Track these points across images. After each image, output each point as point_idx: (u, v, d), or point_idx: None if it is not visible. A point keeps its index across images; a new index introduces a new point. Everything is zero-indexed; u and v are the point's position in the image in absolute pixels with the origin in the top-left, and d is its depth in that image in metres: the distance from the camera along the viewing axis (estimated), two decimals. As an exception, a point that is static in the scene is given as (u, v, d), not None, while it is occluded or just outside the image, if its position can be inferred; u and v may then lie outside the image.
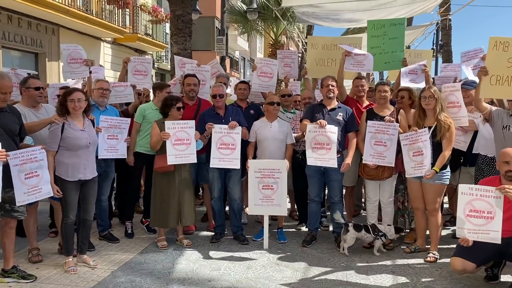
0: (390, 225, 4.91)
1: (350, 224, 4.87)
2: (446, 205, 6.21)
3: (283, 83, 7.09)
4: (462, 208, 3.72)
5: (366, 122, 4.88)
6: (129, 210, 5.60)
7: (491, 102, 4.96)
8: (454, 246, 4.20)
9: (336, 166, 4.86)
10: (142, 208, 6.20)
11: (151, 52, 18.39)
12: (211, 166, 5.01)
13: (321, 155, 4.81)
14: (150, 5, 17.46)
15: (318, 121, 4.81)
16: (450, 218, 5.86)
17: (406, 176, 4.70)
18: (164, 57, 19.87)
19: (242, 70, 31.83)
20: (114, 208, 6.17)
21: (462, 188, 3.78)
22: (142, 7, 16.55)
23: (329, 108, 5.00)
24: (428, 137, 4.46)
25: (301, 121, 5.23)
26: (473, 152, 4.99)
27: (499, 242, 3.60)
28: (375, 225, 4.88)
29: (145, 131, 5.30)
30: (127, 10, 15.66)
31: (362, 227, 4.84)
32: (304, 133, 5.00)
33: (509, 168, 3.76)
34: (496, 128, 4.43)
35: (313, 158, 4.85)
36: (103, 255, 4.74)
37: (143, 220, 5.69)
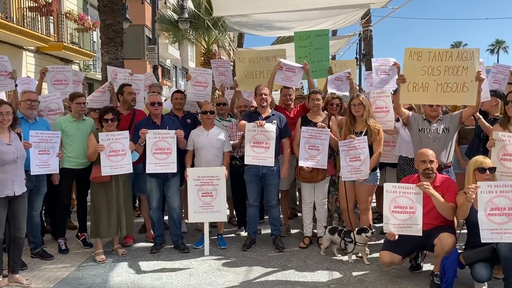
0: (359, 234, 4.71)
1: (328, 227, 5.03)
2: (373, 204, 6.64)
3: (217, 91, 7.20)
4: (387, 205, 4.06)
5: (301, 128, 5.14)
6: (61, 226, 5.40)
7: (410, 108, 5.42)
8: (382, 241, 4.54)
9: (273, 164, 5.06)
10: (74, 223, 6.05)
11: (77, 61, 17.73)
12: (147, 171, 5.01)
13: (260, 153, 5.00)
14: (76, 13, 16.82)
15: (256, 121, 5.01)
16: (377, 216, 6.28)
17: (343, 179, 4.94)
18: (92, 66, 19.20)
19: (174, 79, 31.49)
20: (46, 224, 5.91)
21: (387, 186, 4.12)
22: (68, 14, 15.90)
23: (264, 115, 5.20)
24: (367, 144, 4.75)
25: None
26: (395, 153, 5.42)
27: (421, 234, 3.97)
28: (348, 232, 4.83)
29: (67, 146, 5.14)
30: (51, 17, 14.97)
31: (337, 230, 4.94)
32: (243, 135, 5.16)
33: (426, 166, 4.17)
34: (413, 131, 4.85)
35: (251, 157, 5.03)
36: (37, 273, 4.56)
37: (79, 234, 5.53)
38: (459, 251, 4.01)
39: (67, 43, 15.73)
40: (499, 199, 3.64)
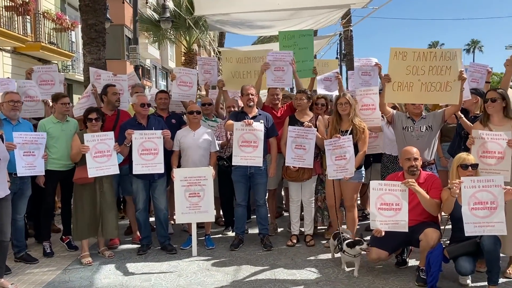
0: (353, 247, 4.37)
1: (333, 233, 4.67)
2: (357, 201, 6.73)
3: (198, 91, 7.18)
4: (374, 202, 4.13)
5: (288, 127, 5.18)
6: (45, 229, 5.33)
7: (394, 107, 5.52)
8: (368, 238, 4.62)
9: (261, 164, 5.10)
10: (58, 226, 5.99)
11: (55, 62, 17.36)
12: (134, 172, 4.97)
13: (248, 153, 5.03)
14: (54, 12, 16.52)
15: (244, 120, 5.03)
16: (362, 213, 6.37)
17: (329, 177, 4.99)
18: (71, 66, 18.89)
19: (154, 79, 31.21)
20: (28, 227, 5.79)
21: (373, 184, 4.19)
22: (45, 14, 15.59)
23: (250, 115, 5.22)
24: (352, 143, 4.81)
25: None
26: (379, 151, 5.51)
27: (407, 230, 4.06)
28: (346, 239, 4.49)
29: (51, 147, 5.06)
30: (28, 17, 14.67)
31: (337, 236, 4.62)
32: (231, 135, 5.16)
33: (411, 164, 4.26)
34: (397, 129, 4.93)
35: (239, 157, 5.05)
36: (22, 277, 4.49)
37: (63, 237, 5.46)
38: (444, 245, 4.11)
39: (45, 43, 15.44)
40: (482, 194, 3.76)
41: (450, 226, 4.31)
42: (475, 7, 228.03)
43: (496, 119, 4.41)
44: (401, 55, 4.74)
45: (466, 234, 3.77)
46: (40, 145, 4.80)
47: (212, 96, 6.90)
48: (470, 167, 3.98)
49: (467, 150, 4.39)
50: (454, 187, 3.83)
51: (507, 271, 4.25)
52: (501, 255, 3.92)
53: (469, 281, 4.07)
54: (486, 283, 3.91)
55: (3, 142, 4.22)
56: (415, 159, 4.27)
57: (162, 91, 6.09)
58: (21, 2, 13.68)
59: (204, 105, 6.15)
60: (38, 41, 15.18)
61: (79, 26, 17.97)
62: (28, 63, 14.63)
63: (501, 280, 4.05)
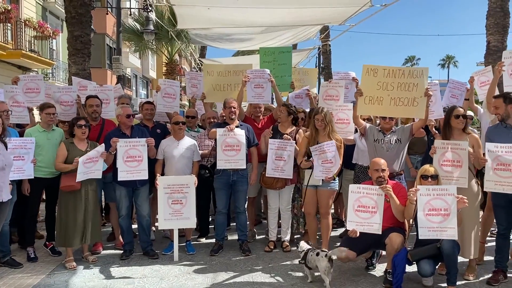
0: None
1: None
2: (331, 210, 7.03)
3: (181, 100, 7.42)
4: (351, 204, 4.44)
5: (269, 140, 5.45)
6: (29, 235, 5.46)
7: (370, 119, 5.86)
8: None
9: (245, 167, 5.39)
10: (41, 233, 6.11)
11: (36, 69, 17.38)
12: (119, 179, 5.16)
13: (231, 157, 5.31)
14: (36, 20, 16.54)
15: (226, 127, 5.33)
16: (336, 221, 6.68)
17: (315, 177, 5.21)
18: (51, 74, 18.87)
19: (134, 88, 31.24)
20: (11, 234, 5.89)
21: (352, 187, 4.50)
22: (27, 22, 15.62)
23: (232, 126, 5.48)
24: (335, 147, 5.11)
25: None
26: (352, 162, 5.85)
27: (380, 232, 4.36)
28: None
29: (37, 155, 5.20)
30: (9, 24, 14.67)
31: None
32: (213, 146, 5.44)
33: (379, 175, 4.58)
34: (369, 141, 5.26)
35: (223, 161, 5.32)
36: (7, 281, 4.62)
37: (47, 243, 5.59)
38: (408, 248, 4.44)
39: (26, 51, 15.44)
40: (436, 201, 4.12)
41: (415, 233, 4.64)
42: (450, 24, 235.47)
43: (457, 134, 4.78)
44: (372, 71, 5.09)
45: (420, 237, 4.13)
46: (30, 150, 4.99)
47: (199, 107, 7.17)
48: (430, 177, 4.34)
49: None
50: (411, 195, 4.19)
51: (466, 273, 4.61)
52: (461, 259, 4.27)
53: (431, 283, 4.41)
54: (446, 284, 4.24)
55: (6, 149, 4.40)
56: (383, 170, 4.59)
57: (148, 102, 6.29)
58: (2, 10, 13.71)
59: (188, 117, 6.40)
60: (18, 48, 15.17)
61: (60, 34, 18.13)
62: (8, 71, 14.66)
63: (461, 282, 4.41)
